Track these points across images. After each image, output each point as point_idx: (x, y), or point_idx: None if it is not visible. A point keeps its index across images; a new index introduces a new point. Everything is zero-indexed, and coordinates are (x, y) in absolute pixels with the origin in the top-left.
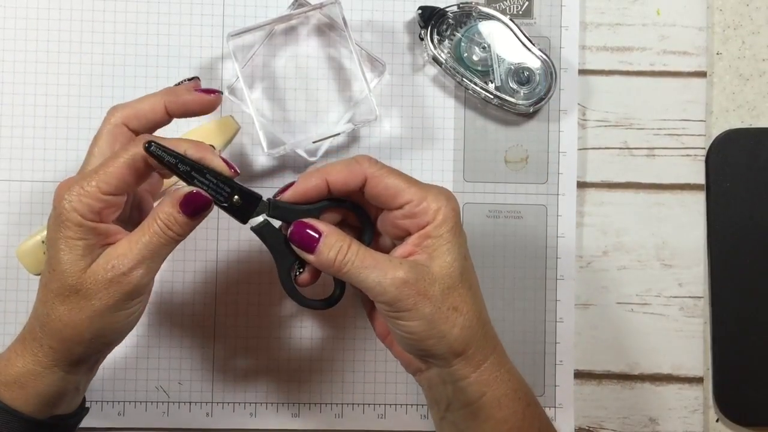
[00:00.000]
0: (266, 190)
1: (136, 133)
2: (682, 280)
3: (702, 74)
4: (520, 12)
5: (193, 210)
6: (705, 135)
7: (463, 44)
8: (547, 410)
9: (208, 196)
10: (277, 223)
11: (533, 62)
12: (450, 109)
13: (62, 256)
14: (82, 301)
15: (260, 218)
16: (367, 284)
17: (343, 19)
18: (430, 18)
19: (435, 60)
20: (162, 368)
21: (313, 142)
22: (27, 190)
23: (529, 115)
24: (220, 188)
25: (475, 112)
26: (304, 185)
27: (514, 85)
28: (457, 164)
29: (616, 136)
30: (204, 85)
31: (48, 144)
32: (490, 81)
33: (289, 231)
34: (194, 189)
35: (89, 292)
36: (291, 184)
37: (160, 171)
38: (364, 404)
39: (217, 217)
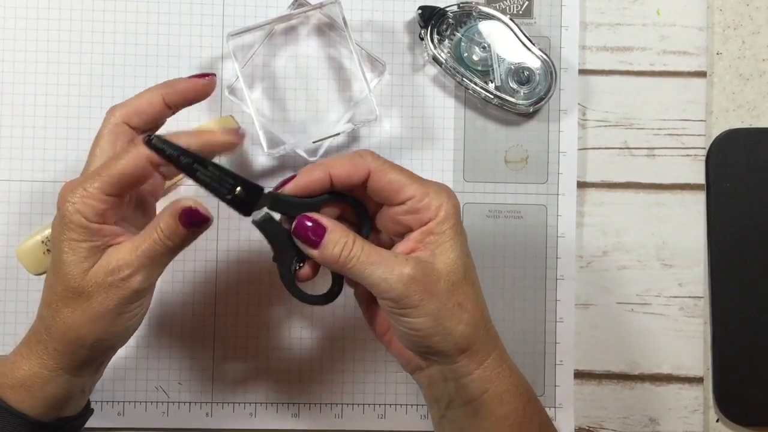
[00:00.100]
0: (266, 190)
1: (138, 130)
2: (682, 280)
3: (702, 74)
4: (520, 12)
5: (191, 223)
6: (705, 135)
7: (463, 44)
8: (547, 410)
9: (206, 214)
10: (277, 217)
11: (533, 62)
12: (450, 109)
13: (65, 258)
14: (84, 304)
15: (262, 211)
16: (371, 280)
17: (343, 19)
18: (430, 18)
19: (435, 60)
20: (162, 368)
21: (313, 142)
22: (27, 190)
23: (529, 115)
24: (223, 180)
25: (475, 112)
26: (307, 178)
27: (514, 85)
28: (457, 164)
29: (616, 136)
30: None
31: (48, 144)
32: (490, 81)
33: (293, 225)
34: (192, 204)
35: (90, 294)
36: (292, 177)
37: (162, 170)
38: (364, 404)
39: (217, 217)
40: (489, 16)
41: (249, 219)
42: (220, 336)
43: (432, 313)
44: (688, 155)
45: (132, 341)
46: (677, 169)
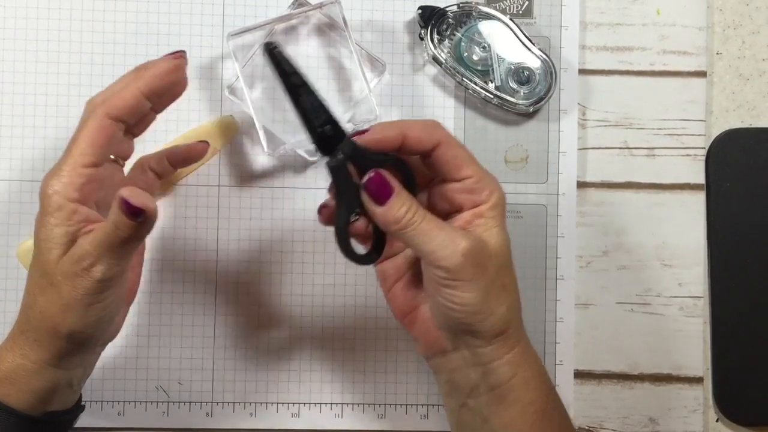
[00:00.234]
0: (266, 190)
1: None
2: (682, 280)
3: (702, 74)
4: (520, 12)
5: (131, 213)
6: (705, 135)
7: (463, 44)
8: None
9: (138, 204)
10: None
11: (533, 62)
12: (450, 109)
13: (42, 244)
14: (55, 293)
15: (339, 156)
16: (428, 247)
17: (343, 18)
18: (430, 18)
19: (435, 60)
20: (162, 368)
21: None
22: (27, 190)
23: (529, 115)
24: (319, 112)
25: (475, 111)
26: (384, 133)
27: (514, 85)
28: None
29: (616, 136)
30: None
31: (48, 144)
32: (490, 81)
33: (366, 177)
34: (125, 194)
35: (59, 283)
36: (365, 130)
37: (152, 167)
38: (364, 404)
39: (217, 217)
40: (489, 16)
41: (320, 163)
42: (220, 336)
43: (482, 288)
44: (688, 155)
45: (132, 341)
46: (677, 169)
